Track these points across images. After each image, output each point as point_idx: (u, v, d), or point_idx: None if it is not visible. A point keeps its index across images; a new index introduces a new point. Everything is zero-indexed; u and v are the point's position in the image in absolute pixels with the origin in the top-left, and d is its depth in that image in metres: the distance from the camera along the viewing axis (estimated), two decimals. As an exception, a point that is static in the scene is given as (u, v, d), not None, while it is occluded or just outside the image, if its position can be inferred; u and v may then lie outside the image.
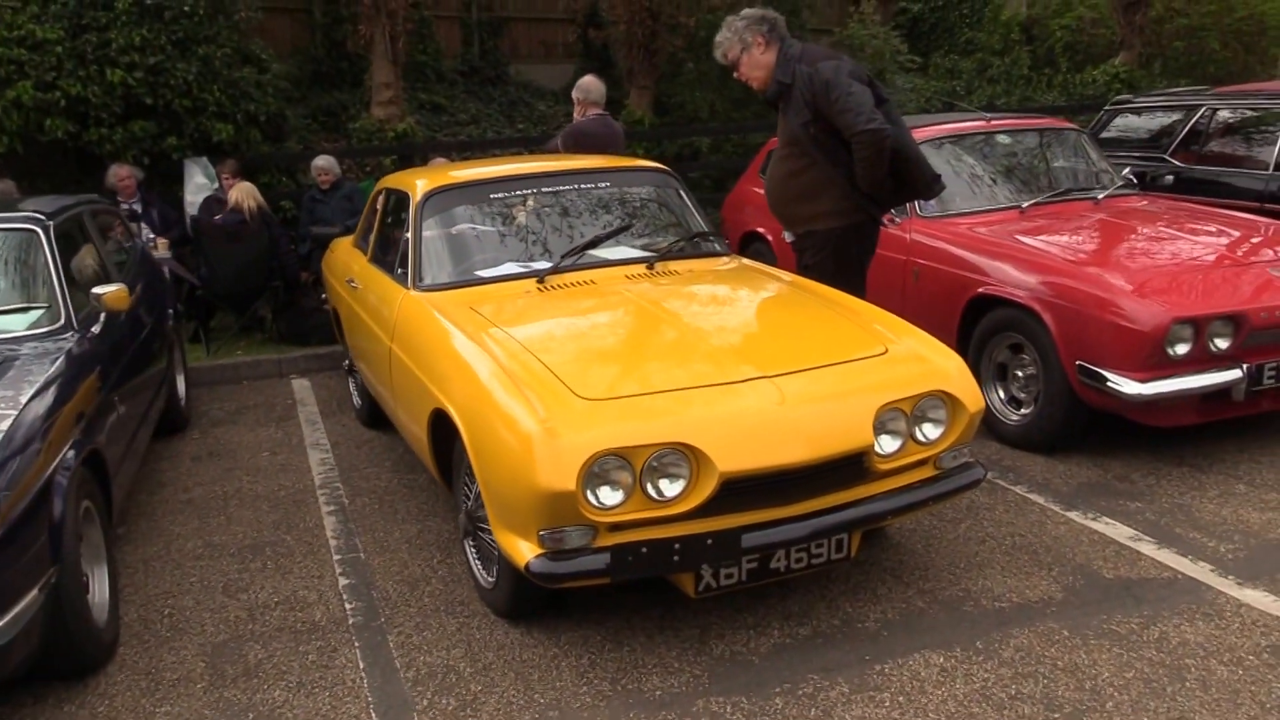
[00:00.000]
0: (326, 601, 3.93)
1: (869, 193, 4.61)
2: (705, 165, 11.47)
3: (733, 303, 4.31)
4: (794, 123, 4.64)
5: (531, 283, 4.35)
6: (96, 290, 4.44)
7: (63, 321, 4.26)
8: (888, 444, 3.38)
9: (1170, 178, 7.38)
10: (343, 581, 4.08)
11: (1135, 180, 6.41)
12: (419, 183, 4.83)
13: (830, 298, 4.22)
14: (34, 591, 3.02)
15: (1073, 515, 4.37)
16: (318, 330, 7.53)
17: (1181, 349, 4.51)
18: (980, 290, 5.18)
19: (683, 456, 3.11)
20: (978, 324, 5.26)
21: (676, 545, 3.11)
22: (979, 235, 5.45)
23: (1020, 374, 5.12)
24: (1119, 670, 3.24)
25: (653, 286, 4.31)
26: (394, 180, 5.40)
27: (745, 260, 4.94)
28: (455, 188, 4.84)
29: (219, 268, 7.56)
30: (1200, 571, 3.85)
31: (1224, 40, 14.05)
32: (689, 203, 5.09)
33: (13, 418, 3.28)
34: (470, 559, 3.84)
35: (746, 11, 4.76)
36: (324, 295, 6.70)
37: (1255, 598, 3.63)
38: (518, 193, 4.83)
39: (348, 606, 3.87)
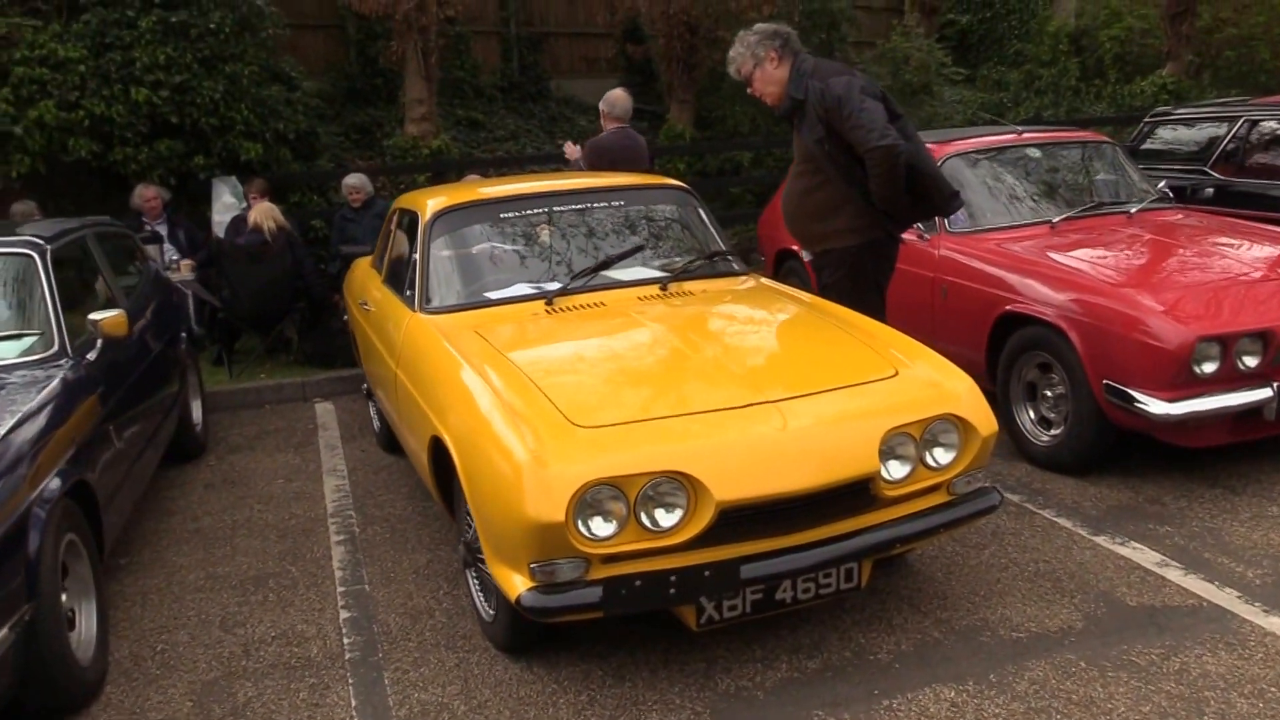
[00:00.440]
0: (324, 636, 3.83)
1: (885, 209, 4.48)
2: (747, 180, 11.35)
3: (744, 324, 4.18)
4: (808, 139, 4.53)
5: (540, 304, 4.26)
6: (94, 316, 4.37)
7: (56, 348, 4.16)
8: (896, 469, 3.24)
9: (1210, 190, 7.14)
10: (344, 615, 3.98)
11: (1171, 194, 6.20)
12: (430, 202, 4.76)
13: (845, 319, 4.08)
14: (2, 630, 2.91)
15: (1100, 540, 4.20)
16: (343, 352, 7.39)
17: (1209, 367, 4.35)
18: (1008, 308, 5.04)
19: (679, 485, 3.00)
20: (1006, 342, 5.11)
21: (673, 577, 3.00)
22: (1008, 251, 5.29)
23: (1049, 394, 4.96)
24: (1135, 704, 3.09)
25: (664, 308, 4.20)
26: (407, 200, 5.34)
27: (764, 280, 4.81)
28: (465, 207, 4.76)
29: (240, 289, 7.44)
30: (1226, 599, 3.68)
31: (1275, 49, 13.74)
32: (708, 221, 4.98)
33: None
34: (473, 591, 3.73)
35: (759, 26, 4.66)
36: (345, 316, 6.65)
37: (1280, 626, 3.47)
38: (529, 212, 4.74)
39: (345, 641, 3.77)
